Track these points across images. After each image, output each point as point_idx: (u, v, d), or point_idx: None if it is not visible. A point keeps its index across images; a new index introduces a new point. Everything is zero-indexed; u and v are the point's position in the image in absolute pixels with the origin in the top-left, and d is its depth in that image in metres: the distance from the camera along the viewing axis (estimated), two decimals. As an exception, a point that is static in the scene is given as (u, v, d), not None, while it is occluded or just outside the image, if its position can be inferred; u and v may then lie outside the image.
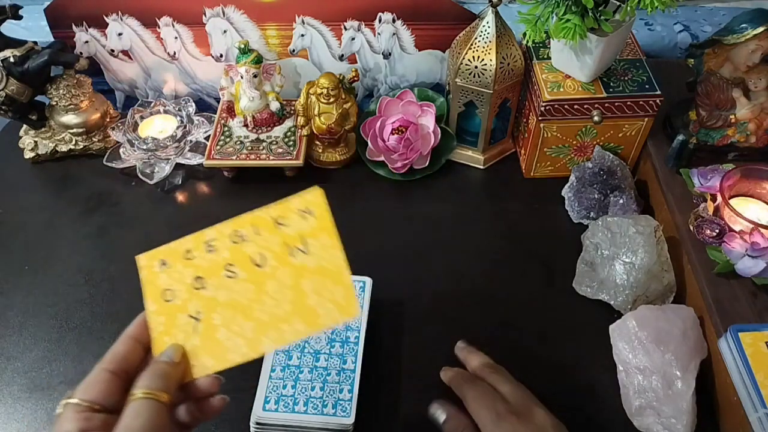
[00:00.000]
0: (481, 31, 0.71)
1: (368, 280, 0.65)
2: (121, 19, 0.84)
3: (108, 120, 0.86)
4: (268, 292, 0.40)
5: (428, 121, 0.80)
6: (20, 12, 0.78)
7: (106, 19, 0.84)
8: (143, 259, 0.42)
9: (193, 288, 0.40)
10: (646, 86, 0.72)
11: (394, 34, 0.84)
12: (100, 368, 0.39)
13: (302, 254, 0.40)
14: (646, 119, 0.74)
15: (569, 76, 0.73)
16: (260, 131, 0.82)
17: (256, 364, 0.58)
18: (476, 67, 0.72)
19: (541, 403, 0.48)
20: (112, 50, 0.87)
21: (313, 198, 0.40)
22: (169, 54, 0.87)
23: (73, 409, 0.37)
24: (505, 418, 0.46)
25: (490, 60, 0.71)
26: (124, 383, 0.39)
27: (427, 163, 0.80)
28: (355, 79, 0.80)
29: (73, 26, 0.85)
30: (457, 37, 0.76)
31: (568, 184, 0.77)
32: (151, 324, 0.41)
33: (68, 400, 0.38)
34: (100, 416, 0.37)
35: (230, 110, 0.84)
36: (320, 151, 0.83)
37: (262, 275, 0.40)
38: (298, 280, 0.40)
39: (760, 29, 0.61)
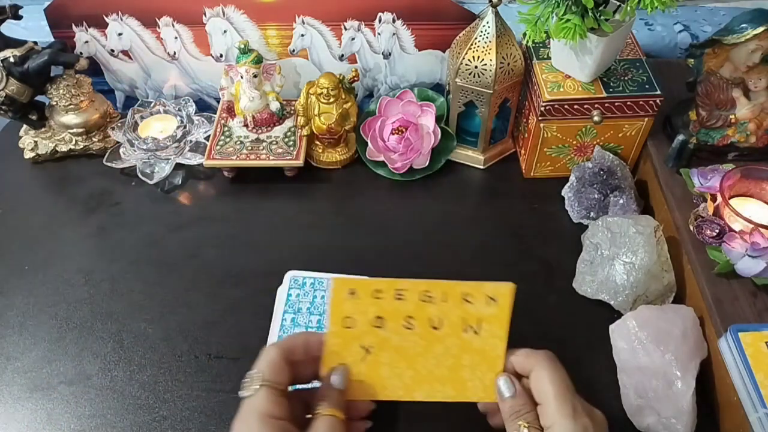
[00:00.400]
0: (481, 31, 0.71)
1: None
2: (121, 19, 0.84)
3: (108, 120, 0.86)
4: (433, 352, 0.46)
5: (428, 121, 0.80)
6: (20, 12, 0.79)
7: (106, 19, 0.84)
8: (337, 283, 0.45)
9: (372, 324, 0.45)
10: (646, 86, 0.72)
11: (394, 34, 0.84)
12: (281, 357, 0.43)
13: (473, 334, 0.46)
14: (646, 119, 0.74)
15: (569, 76, 0.73)
16: (260, 131, 0.82)
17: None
18: (476, 67, 0.72)
19: None
20: (112, 50, 0.87)
21: (504, 290, 0.46)
22: (169, 54, 0.87)
23: (273, 393, 0.41)
24: (581, 416, 0.42)
25: (490, 60, 0.71)
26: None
27: (427, 163, 0.80)
28: (355, 79, 0.80)
29: (73, 26, 0.85)
30: (457, 37, 0.76)
31: (568, 184, 0.77)
32: (327, 341, 0.45)
33: (263, 383, 0.41)
34: (287, 404, 0.41)
35: (230, 110, 0.84)
36: (320, 151, 0.83)
37: (434, 337, 0.45)
38: (462, 352, 0.46)
39: (760, 29, 0.61)
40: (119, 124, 0.84)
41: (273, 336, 0.61)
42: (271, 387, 0.41)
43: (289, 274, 0.65)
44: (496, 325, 0.46)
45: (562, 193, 0.77)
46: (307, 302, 0.63)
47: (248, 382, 0.42)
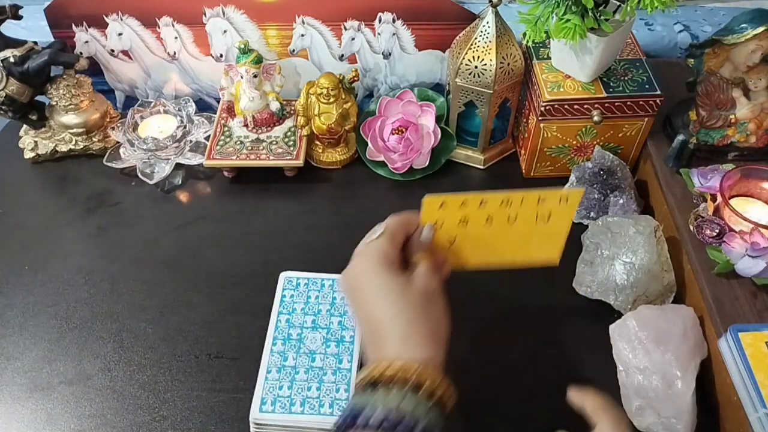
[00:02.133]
0: (481, 31, 0.71)
1: None
2: (121, 19, 0.84)
3: (108, 120, 0.86)
4: (507, 237, 0.54)
5: (428, 121, 0.80)
6: (20, 12, 0.79)
7: (106, 19, 0.84)
8: (428, 197, 0.51)
9: (457, 224, 0.53)
10: (646, 86, 0.72)
11: (394, 34, 0.84)
12: (401, 223, 0.51)
13: (543, 223, 0.54)
14: (646, 119, 0.74)
15: (569, 76, 0.73)
16: (260, 131, 0.82)
17: (254, 365, 0.59)
18: (476, 67, 0.72)
19: None
20: (112, 50, 0.87)
21: (576, 193, 0.53)
22: (169, 54, 0.87)
23: (391, 243, 0.49)
24: None
25: (490, 60, 0.71)
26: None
27: (427, 163, 0.80)
28: (355, 79, 0.80)
29: (73, 26, 0.85)
30: (457, 37, 0.76)
31: (568, 184, 0.77)
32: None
33: (385, 232, 0.50)
34: (398, 255, 0.50)
35: (230, 110, 0.84)
36: (320, 151, 0.83)
37: (509, 227, 0.54)
38: (531, 234, 0.54)
39: (760, 29, 0.61)
40: (119, 124, 0.84)
41: (269, 337, 0.60)
42: (390, 237, 0.49)
43: (283, 275, 0.65)
44: (565, 215, 0.54)
45: (562, 193, 0.77)
46: (301, 303, 0.63)
47: (373, 232, 0.51)
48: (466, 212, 0.53)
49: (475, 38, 0.72)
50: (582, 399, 0.48)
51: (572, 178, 0.76)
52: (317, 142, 0.83)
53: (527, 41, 0.73)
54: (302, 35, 0.84)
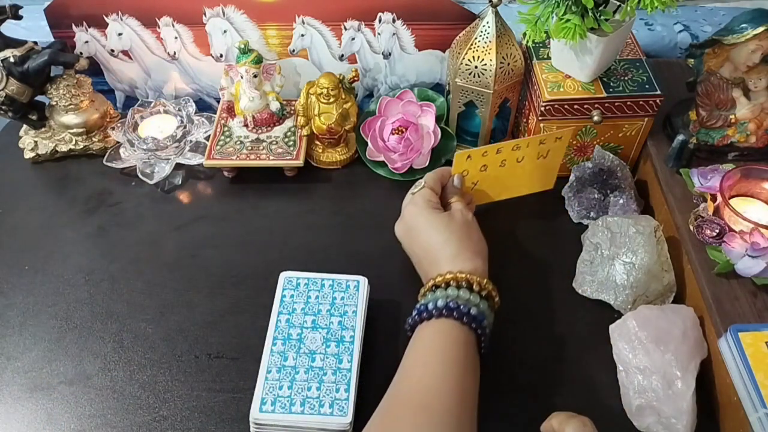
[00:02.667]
0: (481, 31, 0.71)
1: (362, 279, 0.65)
2: (121, 19, 0.84)
3: (108, 120, 0.86)
4: (516, 174, 0.72)
5: (428, 121, 0.80)
6: (20, 12, 0.79)
7: (106, 19, 0.84)
8: (458, 153, 0.67)
9: (479, 170, 0.69)
10: (646, 86, 0.72)
11: (394, 34, 0.84)
12: (437, 176, 0.68)
13: (543, 159, 0.71)
14: (646, 119, 0.74)
15: (569, 76, 0.73)
16: (260, 131, 0.82)
17: (254, 365, 0.59)
18: (476, 67, 0.72)
19: None
20: (112, 50, 0.87)
21: (567, 132, 0.69)
22: (169, 54, 0.87)
23: (432, 191, 0.66)
24: None
25: (490, 60, 0.71)
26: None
27: (427, 163, 0.80)
28: (355, 79, 0.80)
29: (73, 26, 0.85)
30: (457, 37, 0.76)
31: (568, 184, 0.77)
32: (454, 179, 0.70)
33: (426, 185, 0.66)
34: (438, 200, 0.67)
35: (230, 110, 0.84)
36: (320, 151, 0.83)
37: (517, 166, 0.71)
38: (534, 169, 0.72)
39: (760, 29, 0.61)
40: (119, 124, 0.84)
41: (269, 337, 0.60)
42: (431, 187, 0.66)
43: (283, 275, 0.65)
44: (559, 151, 0.71)
45: (562, 193, 0.77)
46: (301, 303, 0.63)
47: (417, 185, 0.67)
48: (486, 160, 0.68)
49: (475, 38, 0.72)
50: (548, 424, 0.49)
51: (572, 178, 0.76)
52: (317, 142, 0.83)
53: (527, 41, 0.73)
54: (302, 35, 0.84)
